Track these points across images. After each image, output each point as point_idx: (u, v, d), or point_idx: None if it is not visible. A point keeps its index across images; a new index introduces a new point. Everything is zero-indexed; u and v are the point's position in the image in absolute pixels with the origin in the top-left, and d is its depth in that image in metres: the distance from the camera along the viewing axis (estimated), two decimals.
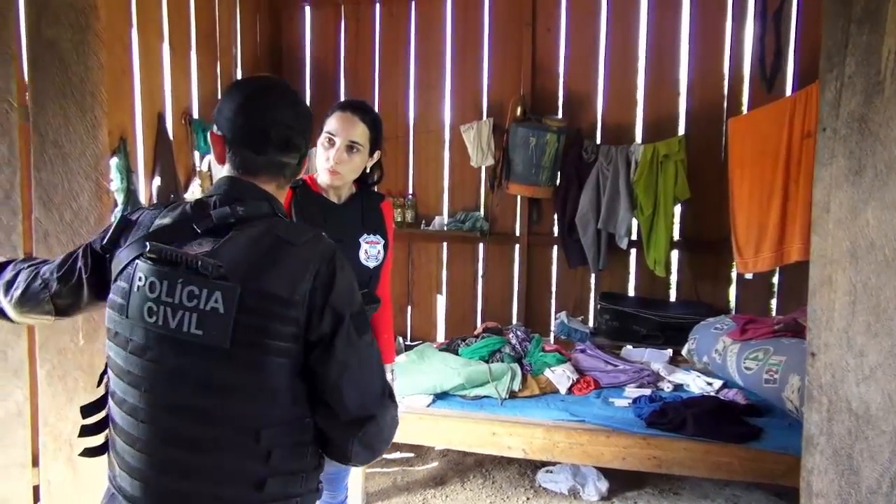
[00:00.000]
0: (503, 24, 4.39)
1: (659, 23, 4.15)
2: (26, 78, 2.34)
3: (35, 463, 2.40)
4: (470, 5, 4.44)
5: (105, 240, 1.24)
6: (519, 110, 4.16)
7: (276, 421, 1.09)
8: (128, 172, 3.27)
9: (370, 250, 1.99)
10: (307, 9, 4.68)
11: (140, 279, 1.10)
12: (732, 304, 4.22)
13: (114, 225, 1.25)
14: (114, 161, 3.15)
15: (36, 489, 2.42)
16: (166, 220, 1.17)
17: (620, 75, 4.24)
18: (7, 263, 1.41)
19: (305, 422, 1.12)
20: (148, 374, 1.09)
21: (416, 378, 3.22)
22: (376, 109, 4.47)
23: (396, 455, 3.66)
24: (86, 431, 1.23)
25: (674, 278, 4.28)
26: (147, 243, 1.10)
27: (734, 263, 3.76)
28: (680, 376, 3.40)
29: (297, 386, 1.10)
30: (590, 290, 4.46)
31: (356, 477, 3.11)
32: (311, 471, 1.16)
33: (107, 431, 1.20)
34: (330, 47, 4.67)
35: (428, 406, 3.09)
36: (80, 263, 1.27)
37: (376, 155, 2.03)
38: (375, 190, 2.14)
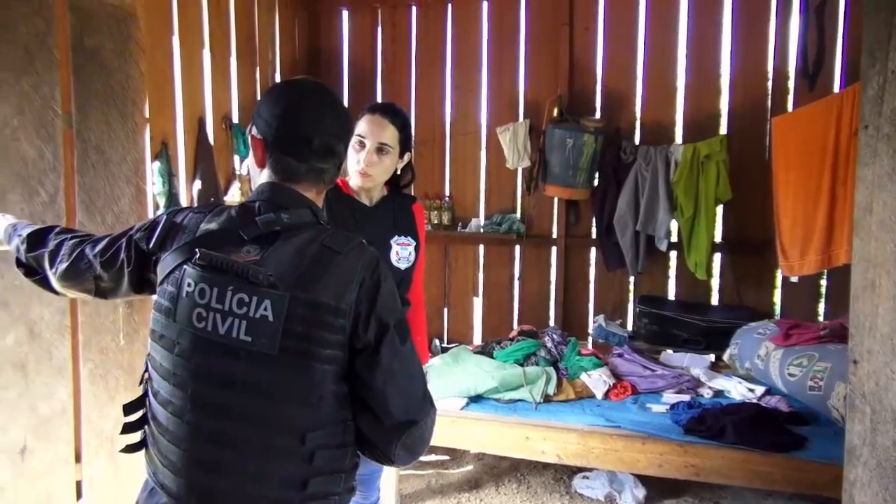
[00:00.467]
0: (540, 25, 4.35)
1: (699, 18, 4.06)
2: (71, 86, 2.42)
3: (78, 459, 2.47)
4: (506, 6, 4.41)
5: (152, 242, 1.26)
6: (556, 111, 4.12)
7: (320, 424, 1.11)
8: (169, 176, 3.34)
9: (401, 252, 2.00)
10: (344, 13, 4.72)
11: (189, 285, 1.13)
12: (777, 308, 4.09)
13: (160, 227, 1.26)
14: (156, 165, 3.23)
15: (79, 484, 2.49)
16: (212, 226, 1.19)
17: (660, 74, 4.16)
18: (47, 231, 1.45)
19: (348, 424, 1.15)
20: (194, 377, 1.12)
21: (450, 381, 3.21)
22: (413, 112, 4.58)
23: (431, 457, 3.66)
24: (127, 429, 1.26)
25: (715, 282, 4.17)
26: (196, 250, 1.12)
27: (779, 266, 3.66)
28: (721, 382, 3.31)
29: (341, 391, 1.13)
30: (628, 293, 4.39)
31: (390, 478, 3.12)
32: (349, 471, 1.19)
33: (146, 428, 1.23)
34: (367, 50, 4.71)
35: (462, 409, 3.08)
36: (122, 255, 1.30)
37: (406, 156, 2.04)
38: (406, 192, 2.14)
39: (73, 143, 2.40)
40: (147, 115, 2.62)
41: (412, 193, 2.18)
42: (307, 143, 1.20)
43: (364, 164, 1.93)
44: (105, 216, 2.45)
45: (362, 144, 1.94)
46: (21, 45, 2.25)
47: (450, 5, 4.52)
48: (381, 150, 1.93)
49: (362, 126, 1.95)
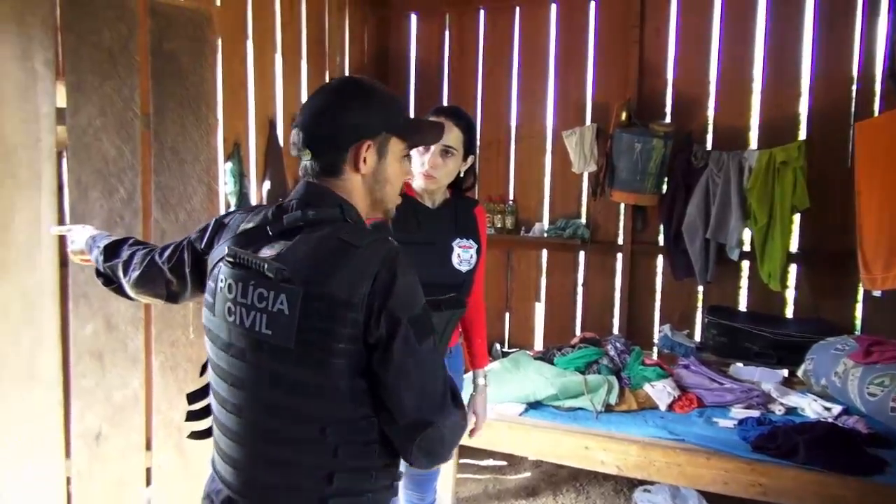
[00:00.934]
0: (609, 27, 4.28)
1: (779, 18, 3.89)
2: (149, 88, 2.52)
3: (148, 447, 2.57)
4: (575, 9, 4.36)
5: (203, 243, 1.34)
6: (624, 115, 4.04)
7: (339, 419, 1.11)
8: (241, 177, 3.45)
9: (463, 254, 1.99)
10: (413, 17, 4.76)
11: (222, 280, 1.18)
12: (858, 323, 3.88)
13: (210, 228, 1.33)
14: (228, 166, 3.34)
15: (148, 471, 2.59)
16: (249, 225, 1.23)
17: (734, 76, 4.01)
18: (121, 242, 1.55)
19: (371, 420, 1.13)
20: (233, 368, 1.16)
21: (509, 386, 3.18)
22: (478, 115, 4.57)
23: (489, 462, 3.64)
24: (191, 416, 1.33)
25: (790, 293, 3.99)
26: (227, 247, 1.17)
27: (860, 279, 3.47)
28: (794, 399, 3.16)
29: (360, 386, 1.11)
30: (696, 302, 4.26)
31: (447, 481, 3.12)
32: (380, 468, 1.17)
33: (211, 417, 1.29)
34: (434, 54, 4.74)
35: (520, 415, 3.05)
36: (184, 258, 1.38)
37: (470, 159, 2.04)
38: (469, 195, 2.14)
39: (150, 144, 2.50)
40: (220, 118, 2.70)
41: (474, 197, 2.17)
42: (332, 139, 1.20)
43: (428, 166, 1.93)
44: (178, 214, 2.55)
45: (426, 147, 1.95)
46: (105, 49, 2.36)
47: (518, 8, 4.49)
48: (445, 152, 1.94)
49: None
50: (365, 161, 1.21)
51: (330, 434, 1.11)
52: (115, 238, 1.59)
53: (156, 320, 2.56)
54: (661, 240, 4.25)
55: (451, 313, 1.23)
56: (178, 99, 2.53)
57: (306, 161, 1.21)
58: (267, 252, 1.15)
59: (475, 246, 2.03)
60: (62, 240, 2.38)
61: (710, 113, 4.11)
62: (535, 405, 3.11)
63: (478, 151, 2.10)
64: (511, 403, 3.09)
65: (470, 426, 2.19)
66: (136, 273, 1.44)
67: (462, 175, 2.06)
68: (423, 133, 1.35)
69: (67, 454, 2.43)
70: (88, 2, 2.33)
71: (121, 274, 1.49)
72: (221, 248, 1.22)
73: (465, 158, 2.01)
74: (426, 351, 1.11)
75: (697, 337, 4.16)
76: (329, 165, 1.21)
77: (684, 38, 4.12)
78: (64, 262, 2.38)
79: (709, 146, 4.05)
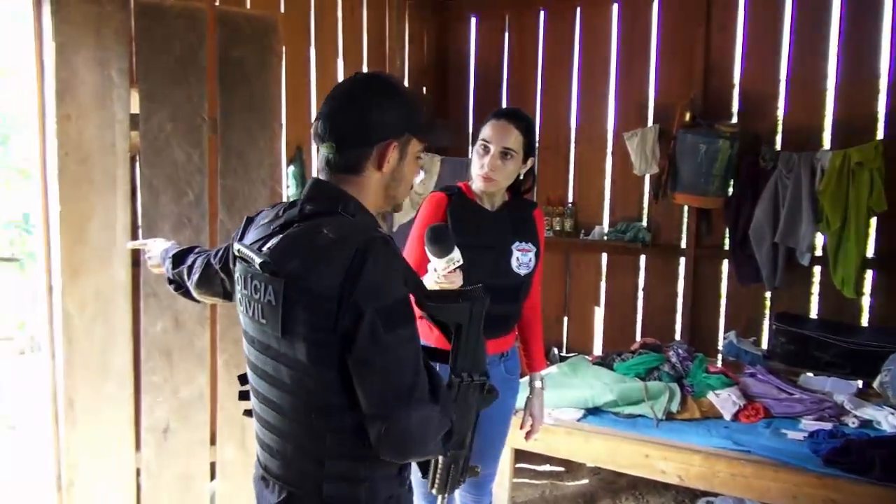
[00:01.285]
0: (673, 26, 4.18)
1: (855, 11, 3.70)
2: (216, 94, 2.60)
3: (212, 442, 2.65)
4: (638, 8, 4.27)
5: (238, 239, 1.39)
6: (688, 115, 3.93)
7: (324, 407, 1.14)
8: (302, 179, 3.52)
9: (522, 258, 1.98)
10: (473, 19, 4.76)
11: (237, 274, 1.26)
12: None
13: (243, 226, 1.39)
14: (290, 169, 3.42)
15: (212, 466, 2.67)
16: (265, 220, 1.29)
17: (806, 74, 3.85)
18: (188, 251, 1.65)
19: (356, 410, 1.13)
20: (251, 355, 1.25)
21: (567, 391, 3.14)
22: (538, 117, 4.53)
23: (546, 467, 3.60)
24: (243, 396, 1.39)
25: (866, 300, 3.81)
26: (235, 243, 1.27)
27: None
28: (869, 412, 3.01)
29: (340, 376, 1.12)
30: (764, 309, 4.11)
31: (503, 484, 3.10)
32: (375, 457, 1.16)
33: None
34: (494, 56, 4.72)
35: (578, 420, 3.01)
36: (229, 255, 1.44)
37: (529, 162, 2.03)
38: (527, 197, 2.12)
39: (217, 148, 2.59)
40: (283, 122, 2.77)
41: (533, 199, 2.16)
42: (323, 135, 1.22)
43: (488, 169, 1.93)
44: (243, 216, 2.61)
45: (486, 149, 1.95)
46: (176, 58, 2.45)
47: (579, 8, 4.44)
48: (505, 154, 1.93)
49: (487, 131, 1.96)
50: (388, 161, 1.22)
51: (316, 420, 1.15)
52: (183, 247, 1.70)
53: (221, 318, 2.64)
54: (726, 244, 4.12)
55: (469, 305, 1.21)
56: (244, 105, 2.61)
57: (329, 154, 1.22)
58: (268, 246, 1.20)
59: (534, 249, 2.02)
60: (134, 239, 2.49)
61: (780, 112, 3.96)
62: (593, 411, 3.06)
63: (537, 153, 2.08)
64: (569, 409, 3.06)
65: (526, 429, 2.18)
66: (196, 276, 1.54)
67: (521, 177, 2.04)
68: (439, 134, 1.38)
69: (137, 447, 2.53)
70: (160, 13, 2.43)
71: (185, 278, 1.59)
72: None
73: (524, 161, 2.00)
74: (395, 342, 1.09)
75: (764, 345, 4.01)
76: (352, 161, 1.22)
77: (753, 34, 3.98)
78: (136, 261, 2.49)
79: (778, 147, 3.90)
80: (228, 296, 1.51)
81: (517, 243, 1.99)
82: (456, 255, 1.55)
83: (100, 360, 2.44)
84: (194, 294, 1.59)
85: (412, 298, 1.18)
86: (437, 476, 1.36)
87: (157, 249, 1.74)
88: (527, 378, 2.22)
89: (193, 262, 1.57)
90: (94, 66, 2.34)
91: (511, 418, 2.16)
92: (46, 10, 2.29)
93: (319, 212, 1.19)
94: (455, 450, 1.32)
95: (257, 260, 1.15)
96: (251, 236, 1.28)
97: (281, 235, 1.19)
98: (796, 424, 2.93)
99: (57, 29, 2.28)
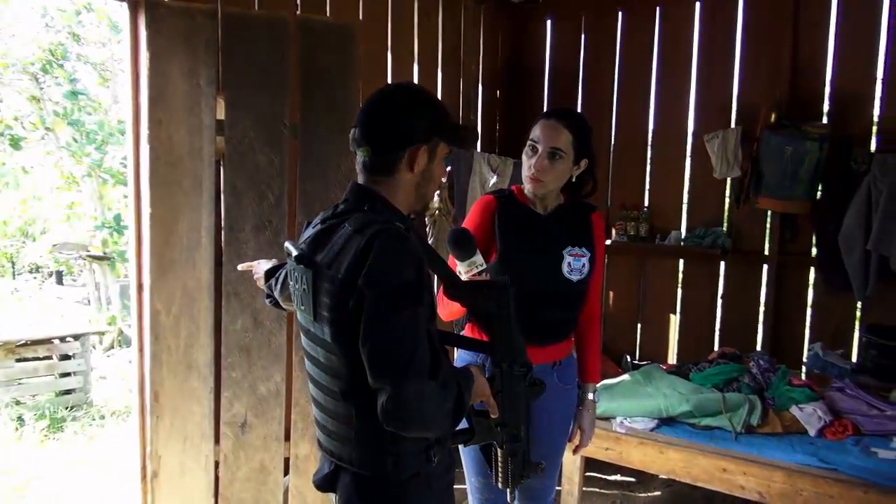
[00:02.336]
0: (759, 22, 4.01)
1: None
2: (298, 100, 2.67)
3: (287, 437, 2.73)
4: (721, 6, 4.12)
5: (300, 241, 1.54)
6: (773, 116, 3.77)
7: (350, 384, 1.27)
8: None
9: (574, 263, 1.91)
10: (549, 22, 4.73)
11: (292, 271, 1.40)
12: None
13: (304, 229, 1.50)
14: None
15: (286, 461, 2.75)
16: (316, 221, 1.42)
17: None
18: (279, 266, 1.78)
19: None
20: (305, 343, 1.40)
21: (640, 400, 3.06)
22: (614, 119, 4.44)
23: (616, 477, 3.53)
24: None
25: None
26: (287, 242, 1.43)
27: None
28: None
29: (358, 356, 1.22)
30: (853, 320, 3.89)
31: (572, 493, 3.06)
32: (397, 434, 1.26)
33: None
34: (570, 58, 4.66)
35: (652, 430, 2.93)
36: None
37: (583, 163, 1.95)
38: (588, 201, 2.05)
39: (297, 152, 2.66)
40: None
41: (595, 203, 2.08)
42: (359, 139, 1.34)
43: (535, 170, 1.88)
44: None
45: (534, 150, 1.89)
46: (260, 66, 2.54)
47: (659, 8, 4.33)
48: (553, 155, 1.87)
49: (535, 131, 1.91)
50: (418, 163, 1.34)
51: (345, 398, 1.29)
52: (274, 264, 1.82)
53: (296, 318, 2.70)
54: (813, 251, 3.92)
55: (494, 293, 1.35)
56: (324, 110, 2.67)
57: (365, 158, 1.34)
58: (302, 241, 1.38)
59: (588, 254, 1.93)
60: (217, 241, 2.59)
61: (876, 112, 3.74)
62: (667, 421, 2.97)
63: (594, 156, 2.00)
64: (642, 418, 2.98)
65: (575, 441, 2.10)
66: (279, 287, 1.68)
67: (574, 179, 1.97)
68: (463, 138, 1.45)
69: (217, 440, 2.63)
70: (246, 23, 2.53)
71: (274, 290, 1.72)
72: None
73: (576, 162, 1.93)
74: (393, 322, 1.19)
75: (853, 358, 3.80)
76: (386, 163, 1.33)
77: (846, 30, 3.77)
78: (219, 261, 2.59)
79: (872, 148, 3.69)
80: None
81: (570, 248, 1.91)
82: (478, 258, 1.54)
83: (184, 355, 2.56)
84: (283, 305, 1.72)
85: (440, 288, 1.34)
86: (500, 469, 1.39)
87: (262, 269, 1.86)
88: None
89: (280, 275, 1.69)
90: (185, 75, 2.46)
91: (569, 430, 2.09)
92: (142, 22, 2.42)
93: (349, 210, 1.32)
94: (510, 443, 1.42)
95: (294, 253, 1.33)
96: (303, 237, 1.42)
97: (314, 231, 1.36)
98: (888, 443, 2.75)
99: (151, 40, 2.40)
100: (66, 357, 5.09)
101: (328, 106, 2.68)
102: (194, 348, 2.57)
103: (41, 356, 5.05)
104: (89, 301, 7.85)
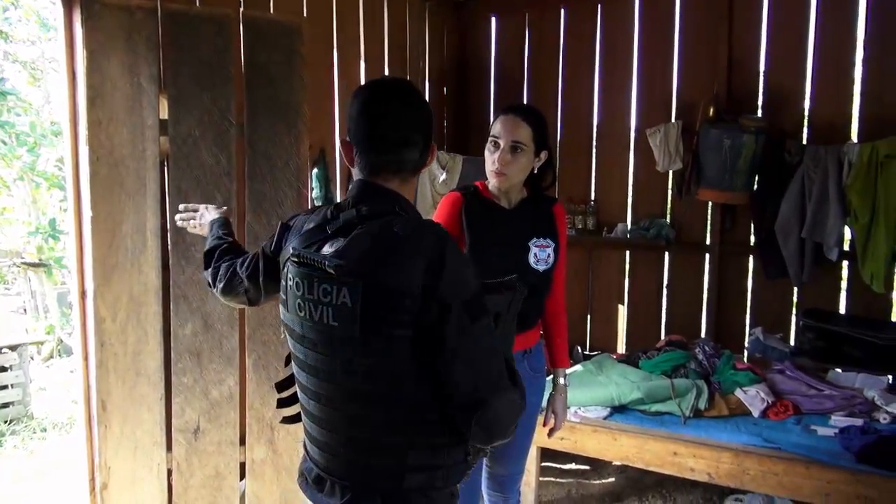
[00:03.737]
0: (696, 21, 4.14)
1: (882, 3, 3.65)
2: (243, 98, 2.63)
3: (242, 442, 2.69)
4: (660, 3, 4.24)
5: (273, 246, 1.44)
6: (711, 111, 3.90)
7: (404, 400, 1.19)
8: (326, 182, 3.55)
9: (539, 254, 1.98)
10: (493, 19, 4.76)
11: (290, 279, 1.26)
12: None
13: (277, 232, 1.43)
14: (314, 171, 3.45)
15: (242, 465, 2.70)
16: (311, 225, 1.31)
17: (833, 66, 3.80)
18: (214, 250, 1.67)
19: (435, 401, 1.19)
20: (309, 359, 1.26)
21: (592, 389, 3.13)
22: (559, 116, 4.51)
23: (572, 466, 3.60)
24: (281, 403, 1.42)
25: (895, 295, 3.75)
26: (291, 248, 1.27)
27: None
28: None
29: (420, 369, 1.17)
30: (791, 305, 4.06)
31: (530, 483, 3.10)
32: (451, 445, 1.23)
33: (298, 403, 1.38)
34: (515, 55, 4.71)
35: (604, 419, 3.00)
36: (259, 265, 1.50)
37: (543, 155, 2.02)
38: (548, 194, 2.12)
39: (244, 151, 2.62)
40: (307, 125, 2.79)
41: (554, 195, 2.15)
42: (379, 137, 1.26)
43: (499, 164, 1.94)
44: (270, 218, 2.65)
45: (496, 145, 1.95)
46: (203, 63, 2.49)
47: (600, 5, 4.41)
48: (515, 148, 1.93)
49: (496, 127, 1.97)
50: (432, 158, 1.34)
51: (397, 414, 1.19)
52: (212, 244, 1.71)
53: (249, 320, 2.67)
54: (751, 240, 4.08)
55: (510, 295, 1.27)
56: (270, 108, 2.64)
57: (379, 158, 1.26)
58: (327, 249, 1.22)
59: (552, 245, 2.01)
60: (164, 243, 2.53)
61: (806, 106, 3.91)
62: (620, 409, 3.05)
63: (552, 148, 2.07)
64: (595, 407, 3.05)
65: (549, 425, 2.18)
66: (222, 284, 1.59)
67: (536, 172, 2.04)
68: None
69: (169, 447, 2.57)
70: (188, 19, 2.47)
71: (211, 282, 1.64)
72: (287, 249, 1.30)
73: (537, 154, 1.99)
74: (480, 332, 1.15)
75: (792, 341, 3.97)
76: (413, 161, 1.30)
77: (777, 27, 3.93)
78: (165, 265, 2.53)
79: (804, 141, 3.86)
80: (252, 302, 1.57)
81: (535, 239, 1.99)
82: None
83: (132, 362, 2.49)
84: (220, 298, 1.64)
85: None
86: None
87: (206, 220, 1.81)
88: (551, 375, 2.22)
89: (219, 268, 1.61)
90: (125, 73, 2.39)
91: (537, 416, 2.16)
92: (77, 19, 2.33)
93: (378, 212, 1.22)
94: None
95: (329, 263, 1.17)
96: (298, 242, 1.28)
97: (345, 238, 1.20)
98: (827, 421, 2.89)
99: (88, 36, 2.32)
100: (2, 369, 4.87)
101: (274, 103, 2.64)
102: (143, 354, 2.50)
103: None
104: (25, 310, 7.53)
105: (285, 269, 1.29)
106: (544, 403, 2.22)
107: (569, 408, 3.05)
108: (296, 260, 1.24)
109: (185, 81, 2.47)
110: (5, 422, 4.68)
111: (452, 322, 1.12)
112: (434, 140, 1.34)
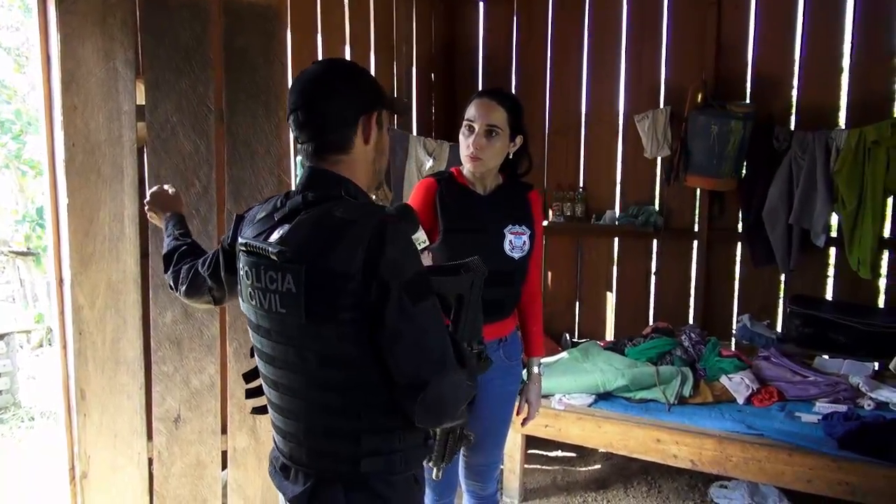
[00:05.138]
0: (684, 5, 4.10)
1: None
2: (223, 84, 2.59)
3: (224, 430, 2.67)
4: None
5: (230, 239, 1.42)
6: (699, 96, 3.87)
7: (356, 383, 1.18)
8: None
9: (515, 241, 1.95)
10: (481, 4, 4.72)
11: (242, 268, 1.28)
12: None
13: (233, 225, 1.41)
14: (299, 158, 3.41)
15: (224, 454, 2.69)
16: (262, 214, 1.31)
17: (821, 53, 3.78)
18: (173, 252, 1.64)
19: (385, 383, 1.18)
20: (265, 347, 1.26)
21: (578, 376, 3.13)
22: (547, 102, 4.48)
23: (558, 453, 3.60)
24: (250, 394, 1.41)
25: (882, 282, 3.75)
26: (241, 237, 1.28)
27: None
28: (885, 394, 2.97)
29: (368, 351, 1.16)
30: (778, 291, 4.06)
31: (515, 471, 3.10)
32: (407, 428, 1.22)
33: None
34: (503, 41, 4.67)
35: (589, 406, 3.00)
36: (220, 261, 1.46)
37: (518, 140, 1.98)
38: (525, 180, 2.09)
39: (224, 138, 2.58)
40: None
41: (530, 182, 2.11)
42: (308, 122, 1.25)
43: (473, 148, 1.90)
44: (250, 205, 2.61)
45: (471, 129, 1.91)
46: (181, 47, 2.44)
47: None
48: (490, 132, 1.89)
49: (471, 110, 1.93)
50: (372, 133, 1.28)
51: (350, 399, 1.18)
52: (170, 246, 1.67)
53: (230, 308, 2.64)
54: (739, 226, 4.07)
55: (470, 276, 1.27)
56: (250, 93, 2.60)
57: (315, 139, 1.25)
58: (275, 236, 1.22)
59: (528, 232, 1.98)
60: (143, 231, 2.49)
61: (794, 92, 3.89)
62: (605, 396, 3.05)
63: (527, 133, 2.03)
64: (580, 394, 3.05)
65: (522, 415, 2.15)
66: (184, 287, 1.56)
67: (511, 157, 2.00)
68: (400, 106, 1.43)
69: (149, 436, 2.55)
70: (165, 2, 2.42)
71: (173, 284, 1.61)
72: (240, 240, 1.29)
73: (512, 139, 1.96)
74: (422, 312, 1.13)
75: (779, 328, 3.97)
76: (341, 139, 1.26)
77: (766, 13, 3.91)
78: (145, 252, 2.50)
79: (792, 127, 3.84)
80: (218, 300, 1.55)
81: (510, 226, 1.95)
82: (421, 235, 1.54)
83: (111, 350, 2.46)
84: (184, 300, 1.61)
85: None
86: (436, 447, 1.37)
87: (166, 205, 1.79)
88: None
89: (180, 270, 1.58)
90: (100, 57, 2.34)
91: (514, 404, 2.13)
92: (51, 1, 2.29)
93: (323, 197, 1.21)
94: None
95: (272, 250, 1.17)
96: (250, 232, 1.29)
97: (290, 224, 1.20)
98: (810, 407, 2.90)
99: (62, 20, 2.27)
100: None
101: (254, 89, 2.60)
102: (122, 343, 2.47)
103: None
104: (14, 299, 7.49)
105: (239, 259, 1.29)
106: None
107: (553, 395, 3.06)
108: (244, 249, 1.25)
109: (163, 66, 2.43)
110: None
111: (392, 303, 1.11)
112: (380, 115, 1.30)
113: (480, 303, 1.29)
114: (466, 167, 1.97)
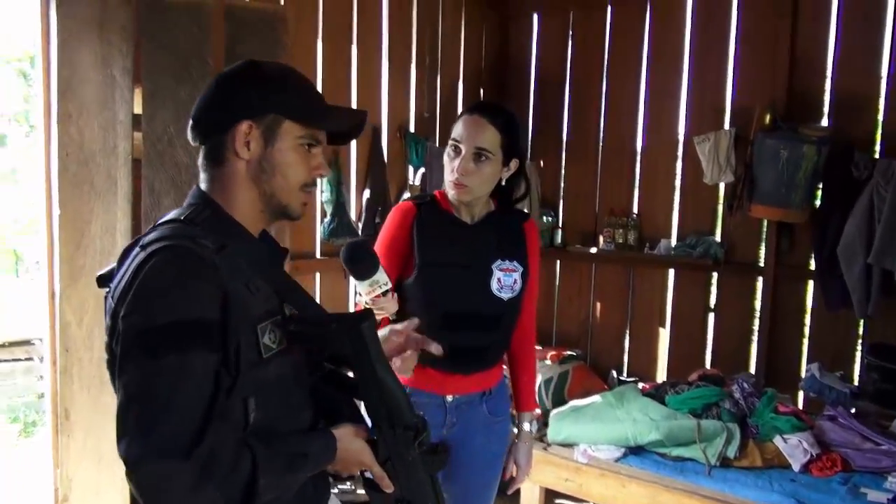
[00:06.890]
0: (755, 18, 3.73)
1: None
2: None
3: None
4: (715, 1, 3.85)
5: None
6: (768, 118, 3.49)
7: None
8: (338, 185, 3.37)
9: (504, 279, 1.68)
10: (535, 17, 4.48)
11: None
12: None
13: None
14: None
15: None
16: None
17: None
18: None
19: None
20: None
21: (608, 425, 2.80)
22: (602, 120, 4.18)
23: None
24: None
25: None
26: None
27: None
28: None
29: None
30: (856, 340, 3.58)
31: None
32: None
33: None
34: (557, 56, 4.41)
35: (617, 460, 2.67)
36: None
37: (513, 164, 1.71)
38: (520, 208, 1.81)
39: None
40: None
41: (525, 210, 1.84)
42: (201, 123, 1.11)
43: (458, 174, 1.64)
44: None
45: (457, 150, 1.66)
46: (180, 54, 2.34)
47: (649, 3, 4.06)
48: (478, 156, 1.63)
49: (458, 129, 1.67)
50: (248, 145, 1.06)
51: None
52: None
53: None
54: (811, 263, 3.63)
55: (343, 330, 1.02)
56: None
57: (206, 148, 1.11)
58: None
59: (520, 269, 1.71)
60: None
61: (881, 114, 3.44)
62: (636, 450, 2.71)
63: (525, 154, 1.76)
64: (608, 446, 2.73)
65: (507, 475, 1.87)
66: None
67: (504, 183, 1.74)
68: (327, 117, 1.13)
69: None
70: (165, 8, 2.33)
71: None
72: None
73: (506, 163, 1.69)
74: (151, 371, 0.90)
75: (855, 381, 3.50)
76: (212, 151, 1.09)
77: (848, 26, 3.48)
78: None
79: (876, 154, 3.40)
80: None
81: (499, 262, 1.69)
82: (381, 277, 1.31)
83: (98, 369, 2.36)
84: None
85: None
86: None
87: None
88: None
89: None
90: (98, 64, 2.26)
91: (499, 468, 1.84)
92: (53, 4, 2.22)
93: (164, 221, 1.05)
94: None
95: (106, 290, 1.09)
96: None
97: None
98: (880, 483, 2.47)
99: (61, 24, 2.21)
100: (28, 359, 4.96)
101: None
102: None
103: (21, 358, 4.93)
104: None
105: None
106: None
107: (578, 444, 2.76)
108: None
109: (161, 74, 2.33)
110: (37, 412, 4.75)
111: (126, 352, 0.91)
112: (254, 118, 1.06)
113: (385, 372, 1.03)
114: (450, 193, 1.70)
